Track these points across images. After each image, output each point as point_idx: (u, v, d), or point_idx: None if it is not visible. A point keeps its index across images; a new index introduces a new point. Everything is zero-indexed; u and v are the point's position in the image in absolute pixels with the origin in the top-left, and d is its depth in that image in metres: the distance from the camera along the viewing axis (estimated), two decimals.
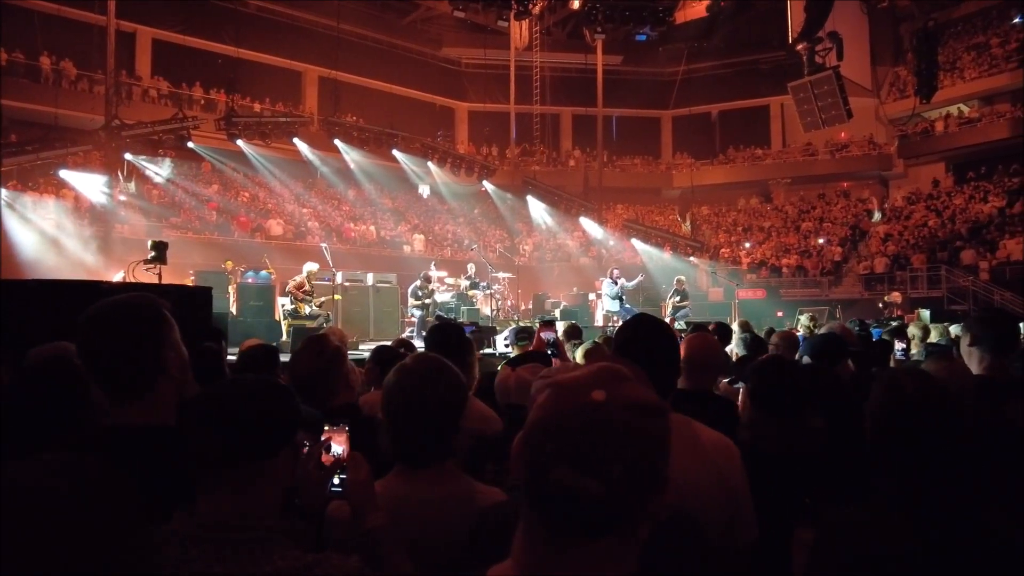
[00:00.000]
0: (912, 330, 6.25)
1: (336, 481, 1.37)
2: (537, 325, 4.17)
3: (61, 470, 0.94)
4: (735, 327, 6.64)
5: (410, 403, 1.55)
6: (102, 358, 1.51)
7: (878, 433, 1.29)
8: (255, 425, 1.20)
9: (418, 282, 12.19)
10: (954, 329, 6.06)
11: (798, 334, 6.02)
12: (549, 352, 2.99)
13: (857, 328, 5.02)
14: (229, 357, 4.58)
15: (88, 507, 0.91)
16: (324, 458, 1.40)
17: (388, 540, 1.33)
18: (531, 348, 3.16)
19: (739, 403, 3.29)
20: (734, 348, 4.18)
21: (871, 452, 1.29)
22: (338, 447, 1.41)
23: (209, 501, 1.18)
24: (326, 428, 1.42)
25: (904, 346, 3.62)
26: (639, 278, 14.63)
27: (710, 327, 5.23)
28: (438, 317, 10.99)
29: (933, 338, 6.31)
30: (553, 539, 0.79)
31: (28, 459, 0.97)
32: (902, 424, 1.25)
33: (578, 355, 3.80)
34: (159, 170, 18.50)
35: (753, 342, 3.93)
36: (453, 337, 2.59)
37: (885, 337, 4.27)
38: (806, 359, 2.91)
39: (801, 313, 9.04)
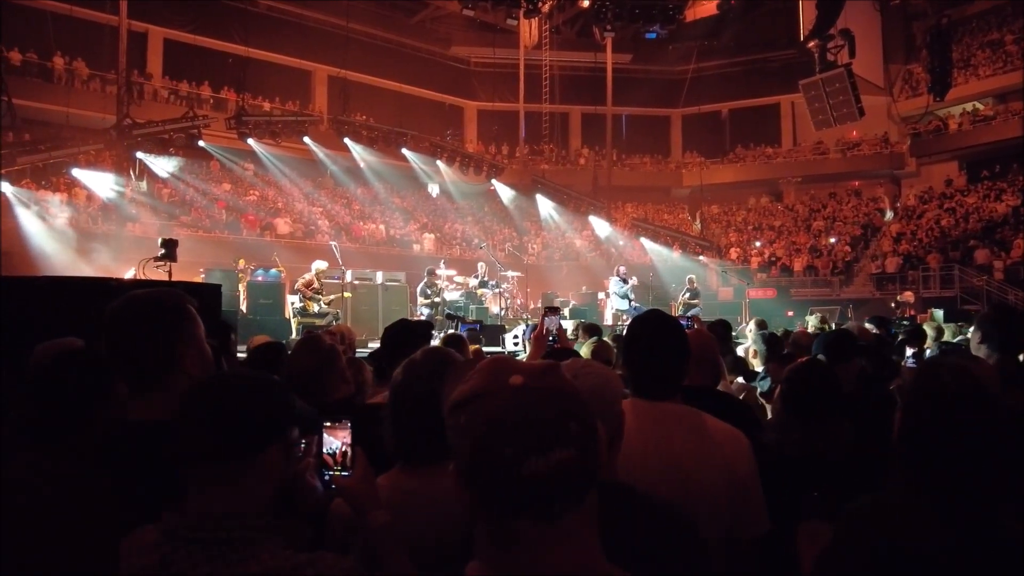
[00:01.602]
0: (925, 329, 6.17)
1: (334, 477, 1.35)
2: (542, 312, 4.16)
3: (39, 468, 0.94)
4: (751, 326, 6.59)
5: (417, 398, 1.53)
6: (119, 350, 1.52)
7: (912, 424, 1.27)
8: (241, 420, 1.17)
9: (425, 279, 12.15)
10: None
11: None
12: (550, 340, 2.97)
13: (875, 329, 4.92)
14: (240, 354, 4.60)
15: (60, 505, 0.89)
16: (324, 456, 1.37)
17: (390, 539, 1.30)
18: (533, 335, 3.14)
19: (755, 400, 3.27)
20: (751, 346, 4.15)
21: (901, 443, 1.27)
22: (338, 443, 1.39)
23: (198, 499, 1.15)
24: (326, 425, 1.40)
25: (914, 351, 3.52)
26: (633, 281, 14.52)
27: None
28: (448, 316, 10.98)
29: (947, 337, 6.24)
30: (524, 529, 0.80)
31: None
32: (939, 416, 1.23)
33: (584, 351, 3.79)
34: (164, 164, 18.56)
35: (771, 339, 3.90)
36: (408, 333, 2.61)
37: (902, 336, 4.20)
38: (820, 357, 2.87)
39: (811, 313, 8.98)
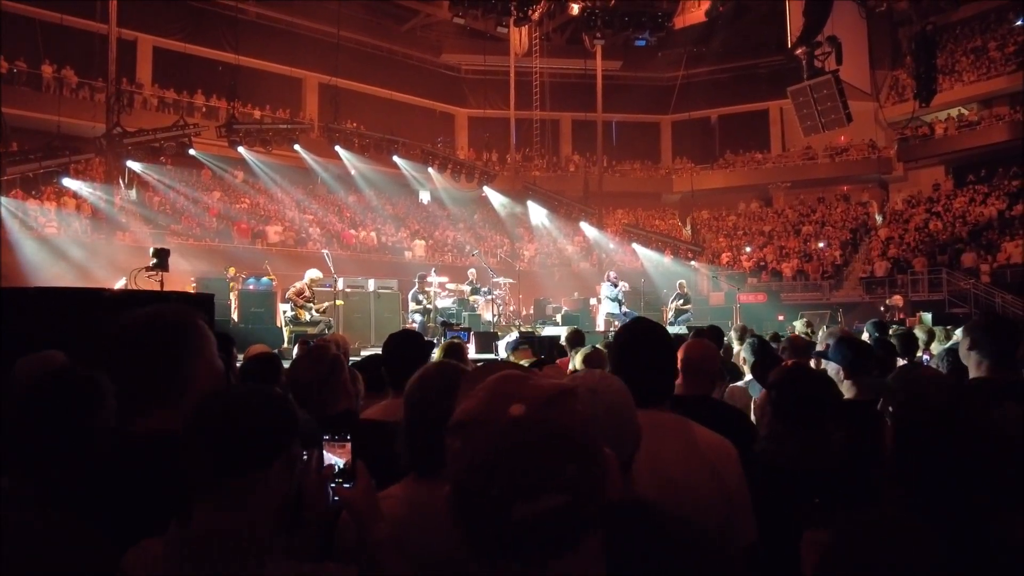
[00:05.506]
0: (917, 333, 6.22)
1: (336, 489, 1.36)
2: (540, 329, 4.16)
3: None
4: (732, 334, 6.64)
5: (429, 410, 1.51)
6: (129, 367, 1.51)
7: (904, 440, 1.27)
8: (248, 437, 1.18)
9: (416, 286, 12.15)
10: (959, 333, 6.00)
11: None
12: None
13: (876, 334, 4.92)
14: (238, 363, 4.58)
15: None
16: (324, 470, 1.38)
17: (390, 552, 1.31)
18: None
19: (753, 410, 3.29)
20: (743, 353, 4.15)
21: (895, 458, 1.27)
22: (339, 459, 1.39)
23: (203, 512, 1.16)
24: (325, 439, 1.40)
25: (905, 363, 3.47)
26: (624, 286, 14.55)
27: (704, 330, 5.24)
28: (443, 323, 10.97)
29: (938, 342, 6.29)
30: (512, 571, 0.74)
31: None
32: (927, 432, 1.23)
33: (577, 360, 3.78)
34: (154, 173, 18.45)
35: (761, 346, 3.92)
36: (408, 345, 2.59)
37: (893, 341, 4.20)
38: (830, 366, 2.83)
39: (800, 318, 9.05)
